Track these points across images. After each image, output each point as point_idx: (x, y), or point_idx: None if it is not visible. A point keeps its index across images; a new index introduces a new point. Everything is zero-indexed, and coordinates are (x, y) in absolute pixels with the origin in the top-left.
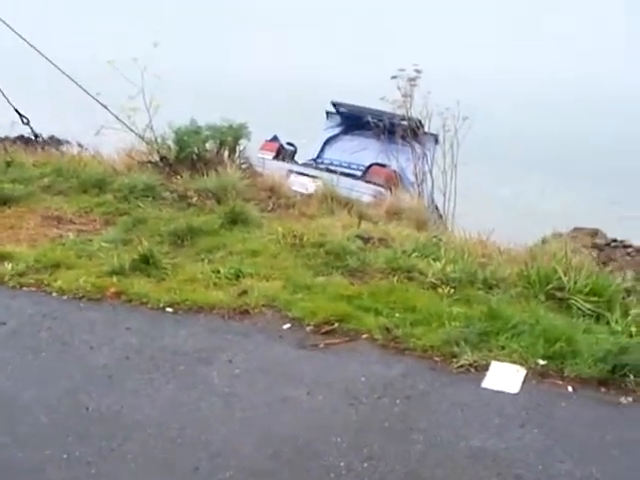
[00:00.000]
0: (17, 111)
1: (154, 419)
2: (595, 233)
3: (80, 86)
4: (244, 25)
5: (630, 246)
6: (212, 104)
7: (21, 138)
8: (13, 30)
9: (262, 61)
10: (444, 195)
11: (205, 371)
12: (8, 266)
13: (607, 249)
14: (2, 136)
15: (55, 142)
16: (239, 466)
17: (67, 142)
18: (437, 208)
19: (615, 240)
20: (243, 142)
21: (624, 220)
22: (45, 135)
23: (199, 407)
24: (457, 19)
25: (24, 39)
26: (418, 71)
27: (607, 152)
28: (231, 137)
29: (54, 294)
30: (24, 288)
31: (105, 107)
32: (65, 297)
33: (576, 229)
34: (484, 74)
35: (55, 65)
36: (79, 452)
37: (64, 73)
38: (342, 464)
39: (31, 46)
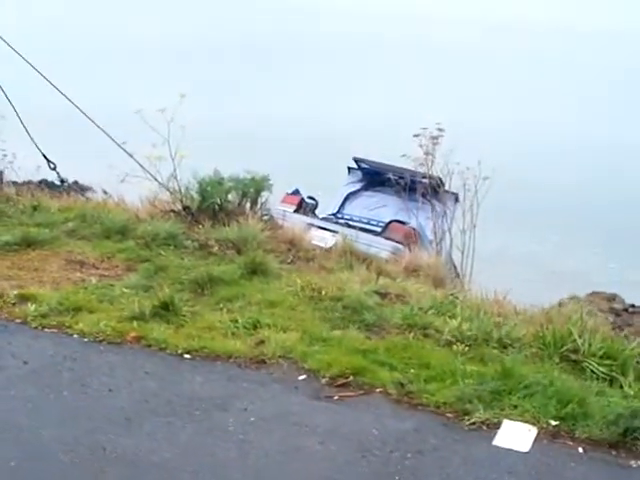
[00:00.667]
0: (45, 156)
1: (170, 462)
2: (613, 298)
3: (107, 134)
4: (271, 76)
5: None
6: (236, 155)
7: (45, 182)
8: (45, 77)
9: (288, 113)
10: (462, 254)
11: (221, 417)
12: (31, 307)
13: (625, 314)
14: (26, 179)
15: (79, 188)
16: None
17: (91, 189)
18: (455, 266)
19: (633, 305)
20: (265, 194)
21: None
22: (70, 180)
23: (214, 452)
24: (480, 76)
25: (54, 86)
26: (440, 129)
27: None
28: (253, 189)
29: (75, 336)
30: (46, 329)
31: (131, 156)
32: (86, 340)
33: (594, 293)
34: (503, 131)
35: (83, 112)
36: None
37: (92, 121)
38: None
39: (61, 93)
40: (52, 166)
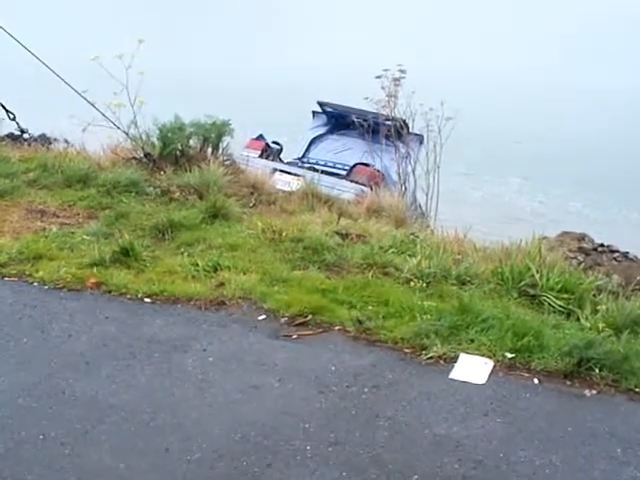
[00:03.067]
0: (3, 106)
1: (128, 403)
2: (582, 237)
3: (67, 83)
4: (234, 24)
5: (617, 251)
6: (197, 102)
7: (10, 135)
8: (3, 29)
9: (249, 60)
10: (427, 195)
11: (180, 359)
12: None
13: (594, 254)
14: None
15: (45, 139)
16: (208, 448)
17: (56, 140)
18: (420, 207)
19: (602, 245)
20: (226, 139)
21: (610, 224)
22: (36, 133)
23: (172, 393)
24: (443, 19)
25: (12, 35)
26: (402, 71)
27: (595, 155)
28: (214, 134)
29: (35, 284)
30: (6, 278)
31: (92, 104)
32: (46, 287)
33: (564, 233)
34: (468, 74)
35: (43, 62)
36: (54, 433)
37: (52, 70)
38: (308, 448)
39: (19, 43)
40: (11, 116)
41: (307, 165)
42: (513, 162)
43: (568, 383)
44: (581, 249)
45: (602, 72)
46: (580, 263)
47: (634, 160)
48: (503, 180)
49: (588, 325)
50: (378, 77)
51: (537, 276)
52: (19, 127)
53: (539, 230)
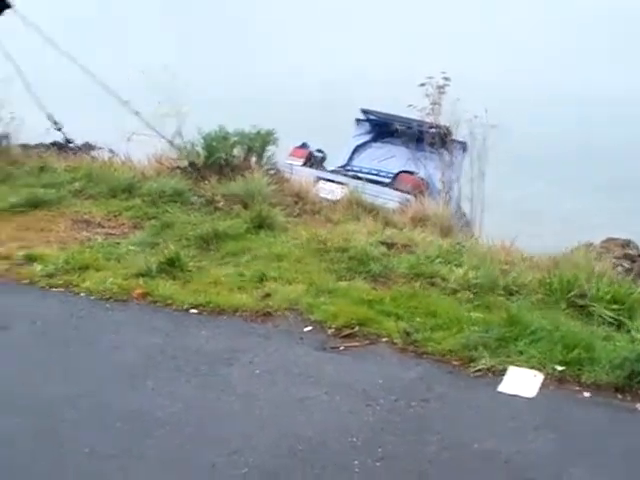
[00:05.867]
0: (50, 117)
1: (174, 417)
2: (627, 244)
3: (112, 93)
4: (274, 32)
5: None
6: (241, 111)
7: (55, 144)
8: (45, 37)
9: (292, 69)
10: (471, 203)
11: (226, 371)
12: (38, 267)
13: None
14: (37, 142)
15: (88, 148)
16: (255, 463)
17: (100, 148)
18: (464, 215)
19: None
20: (271, 148)
21: None
22: (79, 142)
23: (218, 406)
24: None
25: (58, 47)
26: (447, 78)
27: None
28: (259, 143)
29: (82, 295)
30: (53, 289)
31: (136, 113)
32: (93, 298)
33: (608, 239)
34: (511, 81)
35: (89, 72)
36: (100, 447)
37: (96, 79)
38: (356, 462)
39: (66, 55)
40: (58, 127)
41: (351, 173)
42: (553, 166)
43: (619, 397)
44: (627, 255)
45: None
46: (627, 270)
47: None
48: (545, 185)
49: (639, 337)
50: (422, 85)
51: (586, 286)
52: (65, 137)
53: (582, 236)
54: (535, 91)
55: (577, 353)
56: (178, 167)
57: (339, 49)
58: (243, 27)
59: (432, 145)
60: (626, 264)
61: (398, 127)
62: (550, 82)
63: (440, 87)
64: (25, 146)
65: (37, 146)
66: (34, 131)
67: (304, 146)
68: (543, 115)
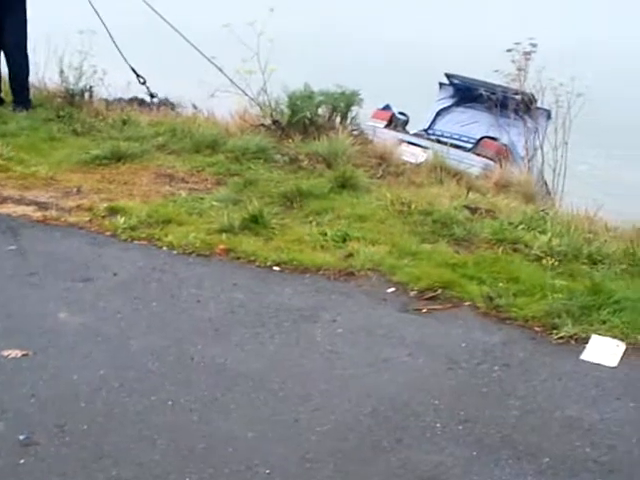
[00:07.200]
0: (134, 71)
1: (257, 372)
2: None
3: (197, 48)
4: None
5: None
6: (326, 71)
7: (135, 99)
8: None
9: (377, 31)
10: (554, 171)
11: (309, 329)
12: (121, 220)
13: None
14: (117, 97)
15: (169, 104)
16: (337, 420)
17: (181, 105)
18: (546, 184)
19: None
20: (355, 109)
21: None
22: (160, 97)
23: (301, 363)
24: None
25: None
26: (533, 45)
27: None
28: (343, 103)
29: (164, 248)
30: (135, 242)
31: (220, 70)
32: (175, 252)
33: None
34: (601, 50)
35: (172, 26)
36: (183, 400)
37: (182, 35)
38: (438, 425)
39: (150, 7)
40: (142, 81)
41: (433, 137)
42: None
43: None
44: None
45: None
46: None
47: None
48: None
49: None
50: (509, 50)
51: None
52: (149, 91)
53: None
54: (624, 57)
55: None
56: (262, 125)
57: (429, 16)
58: None
59: (516, 112)
60: None
61: (482, 92)
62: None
63: (527, 53)
64: (106, 101)
65: (118, 100)
66: (114, 86)
67: (387, 108)
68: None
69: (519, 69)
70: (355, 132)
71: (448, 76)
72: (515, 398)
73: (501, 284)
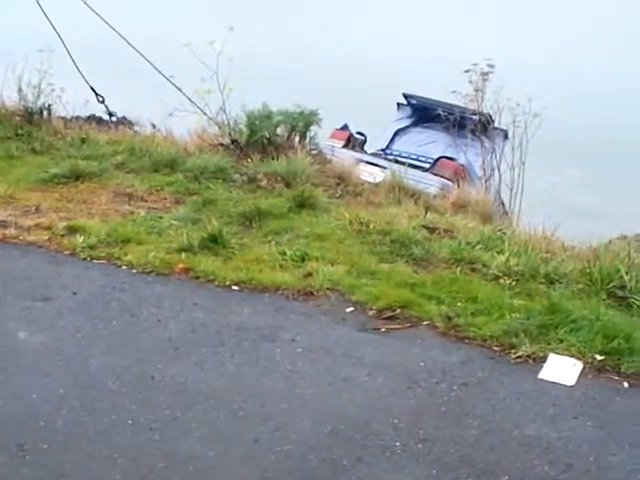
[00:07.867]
0: (93, 89)
1: (217, 391)
2: None
3: (155, 67)
4: (319, 11)
5: None
6: (284, 90)
7: (94, 117)
8: (91, 9)
9: (334, 50)
10: (511, 191)
11: (268, 348)
12: (80, 239)
13: None
14: (74, 115)
15: (127, 122)
16: (298, 440)
17: (139, 123)
18: (503, 203)
19: None
20: (314, 128)
21: None
22: (118, 115)
23: (261, 382)
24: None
25: (102, 19)
26: (491, 66)
27: None
28: (302, 123)
29: (124, 268)
30: (95, 261)
31: (179, 89)
32: (134, 271)
33: None
34: (555, 69)
35: (131, 45)
36: (143, 419)
37: (140, 54)
38: (398, 444)
39: (110, 26)
40: (100, 99)
41: (391, 157)
42: (592, 156)
43: None
44: None
45: None
46: None
47: None
48: (590, 179)
49: None
50: (467, 71)
51: (626, 278)
52: (107, 110)
53: (619, 227)
54: (581, 80)
55: (617, 343)
56: (221, 144)
57: (385, 34)
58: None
59: (473, 132)
60: None
61: (440, 113)
62: (594, 72)
63: (484, 74)
64: (64, 119)
65: (76, 118)
66: (72, 104)
67: (345, 128)
68: (587, 104)
69: (476, 90)
70: (314, 152)
71: (406, 96)
72: (474, 417)
73: (459, 304)
